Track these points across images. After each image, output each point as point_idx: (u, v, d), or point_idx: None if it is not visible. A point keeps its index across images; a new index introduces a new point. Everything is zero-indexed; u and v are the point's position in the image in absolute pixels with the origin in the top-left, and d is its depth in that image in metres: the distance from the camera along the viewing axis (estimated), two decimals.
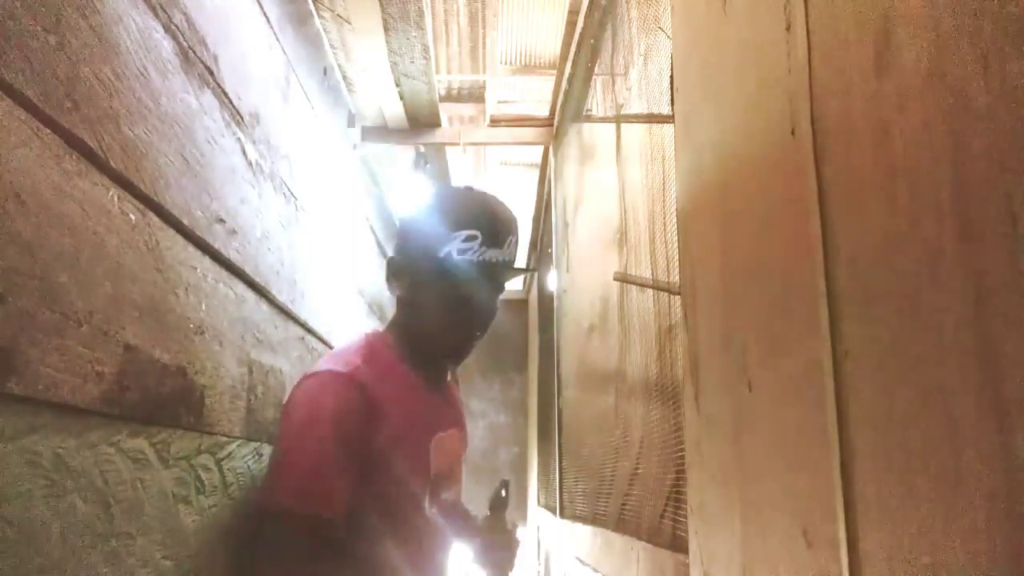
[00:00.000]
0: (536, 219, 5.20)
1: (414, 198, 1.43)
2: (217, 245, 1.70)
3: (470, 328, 1.31)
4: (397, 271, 1.36)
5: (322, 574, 1.14)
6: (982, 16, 0.50)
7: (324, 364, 1.32)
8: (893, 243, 0.61)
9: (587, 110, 3.00)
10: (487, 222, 1.28)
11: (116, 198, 1.26)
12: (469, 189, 1.35)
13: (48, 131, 1.07)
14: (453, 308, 1.27)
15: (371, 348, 1.33)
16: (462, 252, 1.23)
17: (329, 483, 1.14)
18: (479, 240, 1.25)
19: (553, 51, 4.87)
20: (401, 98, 3.13)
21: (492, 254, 1.26)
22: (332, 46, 2.83)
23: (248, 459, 1.95)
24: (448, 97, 5.45)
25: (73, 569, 1.13)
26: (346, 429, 1.16)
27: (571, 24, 2.88)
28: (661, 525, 1.50)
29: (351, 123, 3.34)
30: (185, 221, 1.53)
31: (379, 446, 1.18)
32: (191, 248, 1.57)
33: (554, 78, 3.37)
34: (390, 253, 1.33)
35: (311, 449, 1.16)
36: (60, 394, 1.08)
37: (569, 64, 2.98)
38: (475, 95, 5.42)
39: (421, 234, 1.27)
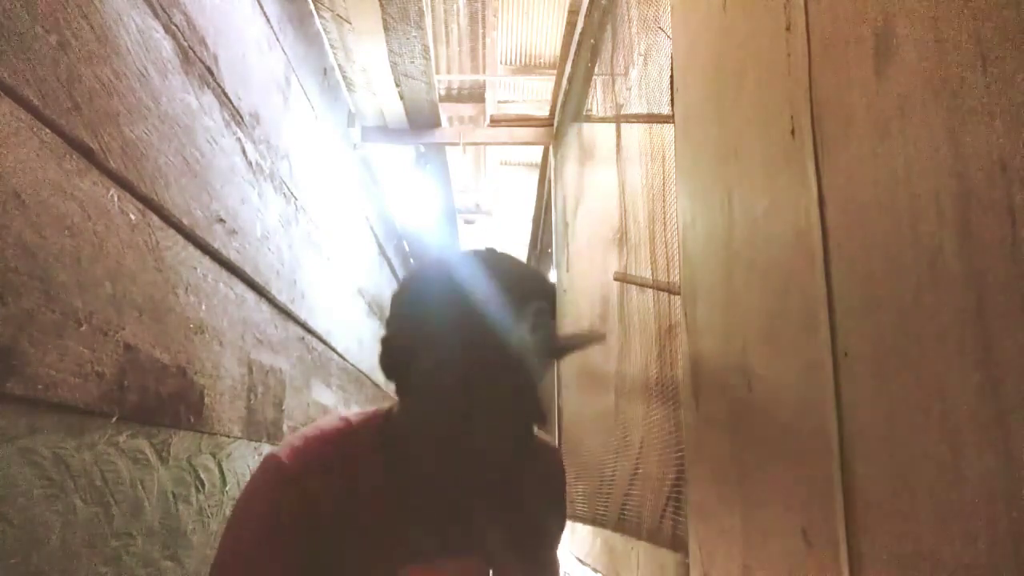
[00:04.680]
0: (536, 219, 5.21)
1: (426, 264, 1.00)
2: (217, 245, 1.70)
3: (528, 427, 0.97)
4: (429, 360, 0.94)
5: None
6: (982, 16, 0.50)
7: (284, 443, 1.01)
8: (893, 243, 0.61)
9: (587, 110, 3.00)
10: (550, 291, 0.96)
11: (116, 198, 1.26)
12: (493, 250, 1.01)
13: (48, 131, 1.07)
14: (518, 404, 0.94)
15: (351, 440, 1.01)
16: (536, 330, 0.90)
17: None
18: (547, 313, 0.93)
19: (553, 51, 4.87)
20: (401, 98, 3.14)
21: (553, 328, 0.95)
22: (332, 46, 2.83)
23: (248, 459, 1.96)
24: (448, 97, 5.45)
25: (73, 569, 1.13)
26: (274, 542, 0.92)
27: (571, 24, 2.88)
28: (661, 525, 1.50)
29: (351, 123, 3.35)
30: (185, 221, 1.53)
31: (320, 567, 0.93)
32: (191, 248, 1.57)
33: (554, 78, 3.37)
34: (396, 331, 0.97)
35: (237, 565, 0.92)
36: (60, 394, 1.08)
37: (569, 64, 2.98)
38: (475, 95, 5.42)
39: (479, 314, 0.91)
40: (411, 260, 5.64)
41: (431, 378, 0.94)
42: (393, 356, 0.97)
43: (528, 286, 0.95)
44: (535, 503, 1.11)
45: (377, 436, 1.00)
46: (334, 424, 1.01)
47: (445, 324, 0.92)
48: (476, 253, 0.98)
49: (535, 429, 1.03)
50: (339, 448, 0.98)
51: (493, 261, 0.96)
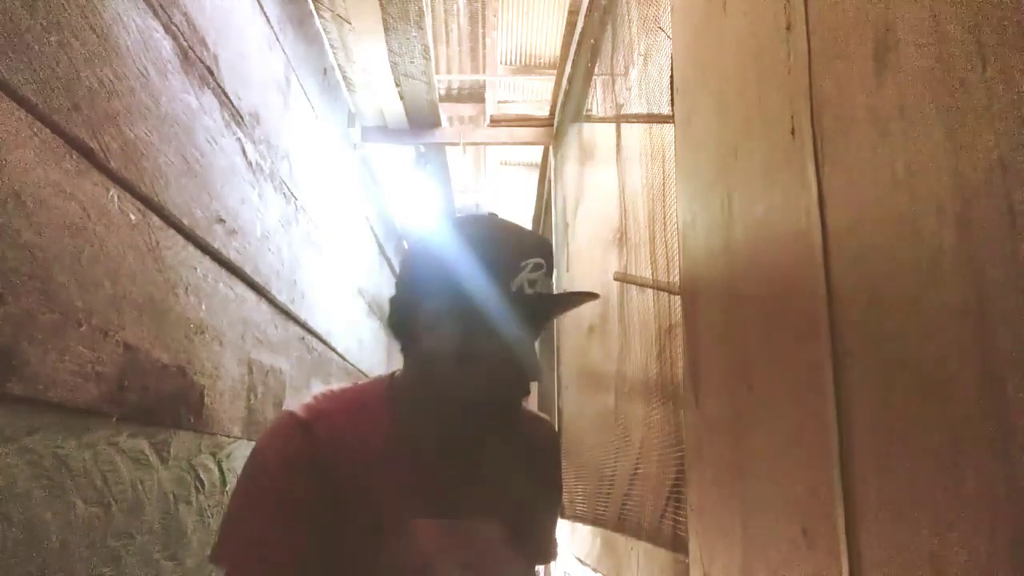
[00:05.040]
0: (536, 219, 5.21)
1: (428, 228, 1.07)
2: (217, 245, 1.70)
3: (522, 380, 1.03)
4: (429, 314, 1.01)
5: None
6: (982, 16, 0.50)
7: (297, 402, 1.09)
8: (893, 243, 0.61)
9: (587, 110, 3.00)
10: (548, 250, 1.03)
11: (116, 198, 1.26)
12: (494, 215, 1.07)
13: (48, 131, 1.07)
14: (513, 357, 1.00)
15: (359, 397, 1.07)
16: (532, 285, 0.98)
17: (270, 552, 0.95)
18: (544, 270, 0.99)
19: (553, 51, 4.87)
20: (401, 98, 3.14)
21: (551, 286, 1.02)
22: (332, 46, 2.83)
23: None
24: (448, 97, 5.45)
25: (73, 569, 1.13)
26: (288, 487, 0.96)
27: (571, 24, 2.87)
28: (661, 525, 1.50)
29: (351, 123, 3.35)
30: (185, 221, 1.53)
31: (330, 514, 0.97)
32: (191, 248, 1.57)
33: (554, 78, 3.37)
34: (401, 290, 1.04)
35: (251, 510, 0.96)
36: (60, 394, 1.08)
37: (569, 64, 2.98)
38: (475, 95, 5.42)
39: (476, 266, 0.98)
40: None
41: (430, 332, 1.01)
42: (398, 314, 1.05)
43: (526, 245, 1.01)
44: (530, 472, 1.15)
45: (383, 393, 1.07)
46: (343, 386, 1.09)
47: (444, 282, 0.99)
48: (477, 217, 1.04)
49: (527, 405, 1.12)
50: (348, 404, 1.05)
51: (492, 223, 1.03)
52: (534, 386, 5.82)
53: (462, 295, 0.97)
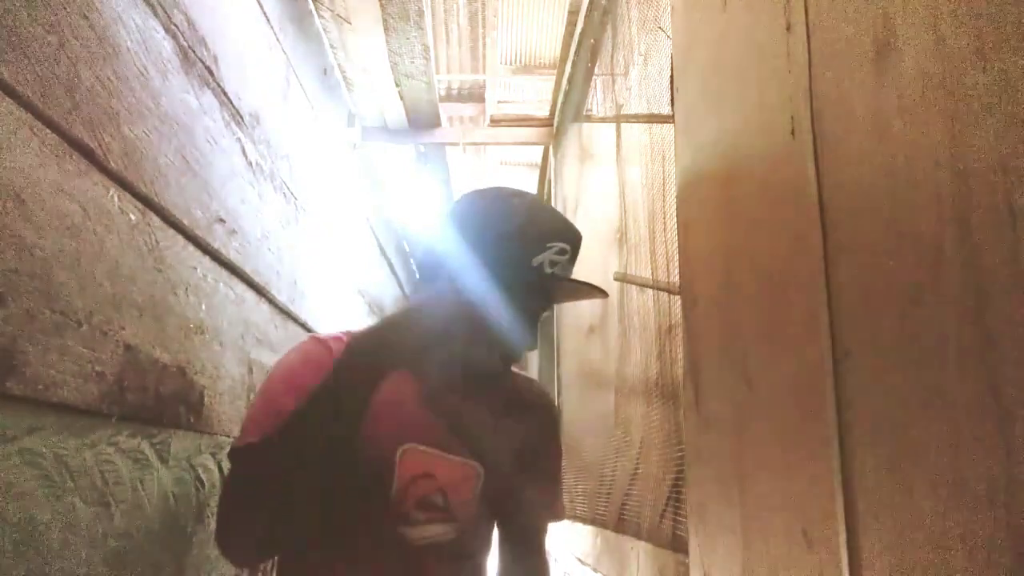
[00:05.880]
0: None
1: (481, 188, 1.19)
2: (217, 245, 1.70)
3: (521, 346, 1.15)
4: (449, 261, 1.14)
5: (242, 500, 1.05)
6: (982, 16, 0.50)
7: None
8: (893, 243, 0.61)
9: (587, 110, 3.00)
10: (576, 239, 1.15)
11: (116, 198, 1.26)
12: (539, 196, 1.28)
13: (48, 131, 1.07)
14: (511, 320, 1.11)
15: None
16: (552, 265, 1.09)
17: (265, 413, 1.05)
18: (567, 256, 1.11)
19: (553, 51, 4.88)
20: (401, 98, 3.13)
21: (570, 272, 1.14)
22: (332, 46, 2.83)
23: None
24: (448, 97, 5.46)
25: (73, 569, 1.13)
26: (299, 374, 1.06)
27: (571, 24, 2.87)
28: (661, 525, 1.50)
29: (351, 123, 3.34)
30: (185, 221, 1.53)
31: (328, 415, 1.04)
32: (191, 248, 1.57)
33: (554, 78, 3.37)
34: (436, 234, 1.15)
35: (261, 392, 1.09)
36: (60, 394, 1.08)
37: (569, 64, 2.98)
38: (475, 95, 5.43)
39: (508, 234, 1.09)
40: (411, 260, 5.64)
41: (445, 277, 1.12)
42: (428, 259, 1.17)
43: (558, 228, 1.12)
44: (525, 424, 1.24)
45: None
46: (362, 326, 1.21)
47: (473, 236, 1.10)
48: (524, 193, 1.16)
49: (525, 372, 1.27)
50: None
51: (535, 201, 1.15)
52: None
53: (484, 253, 1.08)
